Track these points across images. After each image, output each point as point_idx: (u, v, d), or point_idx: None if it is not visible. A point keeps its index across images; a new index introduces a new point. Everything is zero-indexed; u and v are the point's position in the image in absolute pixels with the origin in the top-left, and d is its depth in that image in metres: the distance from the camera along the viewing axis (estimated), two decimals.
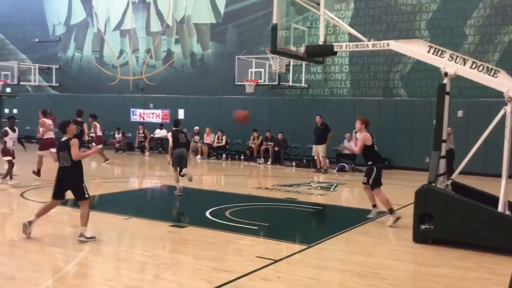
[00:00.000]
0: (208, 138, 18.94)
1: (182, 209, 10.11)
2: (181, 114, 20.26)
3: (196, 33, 20.68)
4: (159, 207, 10.32)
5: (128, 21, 22.07)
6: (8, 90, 24.74)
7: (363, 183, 8.53)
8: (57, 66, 23.62)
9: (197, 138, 19.05)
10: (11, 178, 11.49)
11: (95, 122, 16.28)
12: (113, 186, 12.41)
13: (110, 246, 6.77)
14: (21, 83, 23.12)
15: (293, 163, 17.00)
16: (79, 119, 14.80)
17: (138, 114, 21.45)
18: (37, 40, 24.01)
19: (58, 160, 6.84)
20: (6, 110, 25.36)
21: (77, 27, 23.35)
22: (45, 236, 7.10)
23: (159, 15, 21.46)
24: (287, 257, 6.34)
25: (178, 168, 10.33)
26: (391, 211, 8.25)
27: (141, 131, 20.14)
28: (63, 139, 6.85)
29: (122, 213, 8.63)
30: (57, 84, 23.63)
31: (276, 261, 6.07)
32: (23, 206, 9.38)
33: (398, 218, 8.16)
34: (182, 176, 10.36)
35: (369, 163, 8.37)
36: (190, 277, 5.50)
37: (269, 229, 7.84)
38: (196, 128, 19.08)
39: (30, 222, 6.75)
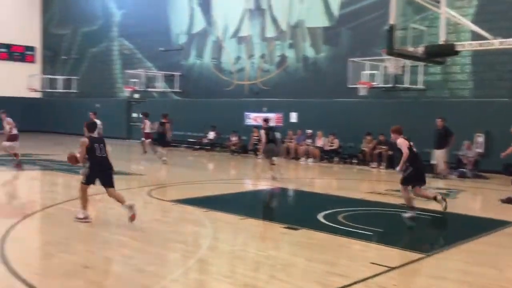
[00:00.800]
0: (320, 141, 18.95)
1: (295, 211, 10.26)
2: (293, 117, 20.50)
3: (309, 37, 20.81)
4: (273, 208, 10.56)
5: (245, 28, 22.84)
6: (136, 96, 26.85)
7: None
8: (180, 73, 25.14)
9: (309, 141, 19.14)
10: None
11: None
12: (229, 187, 12.93)
13: (227, 244, 7.10)
14: (148, 89, 24.98)
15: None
16: (163, 121, 16.95)
17: (252, 118, 22.08)
18: (162, 49, 25.74)
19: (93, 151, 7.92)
20: (135, 114, 27.49)
21: (197, 36, 24.67)
22: (167, 232, 7.63)
23: (274, 21, 21.93)
24: (403, 265, 6.17)
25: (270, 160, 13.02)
26: (411, 208, 8.79)
27: (255, 134, 20.71)
28: (96, 136, 8.40)
29: (238, 213, 8.97)
30: (180, 90, 25.14)
31: (391, 269, 5.93)
32: (149, 204, 10.11)
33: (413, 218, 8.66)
34: (273, 165, 13.14)
35: (407, 164, 8.74)
36: (305, 279, 5.59)
37: (383, 235, 7.68)
38: (309, 131, 19.18)
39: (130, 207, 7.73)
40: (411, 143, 8.83)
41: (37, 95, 31.81)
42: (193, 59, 24.87)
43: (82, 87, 30.45)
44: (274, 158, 13.42)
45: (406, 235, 7.83)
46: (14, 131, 14.37)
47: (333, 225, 8.13)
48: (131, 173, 14.69)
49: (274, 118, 21.16)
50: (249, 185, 14.05)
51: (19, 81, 30.52)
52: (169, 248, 6.79)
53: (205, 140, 22.66)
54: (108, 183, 8.02)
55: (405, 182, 8.81)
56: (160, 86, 25.32)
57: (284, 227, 7.99)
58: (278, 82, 21.75)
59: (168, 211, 9.31)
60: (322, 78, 20.22)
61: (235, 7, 23.10)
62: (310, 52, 20.83)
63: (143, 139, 18.64)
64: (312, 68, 20.79)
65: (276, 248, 6.92)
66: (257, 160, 19.47)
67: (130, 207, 7.70)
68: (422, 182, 8.88)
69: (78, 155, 8.03)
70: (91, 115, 16.09)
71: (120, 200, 7.95)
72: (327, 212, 9.05)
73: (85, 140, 7.93)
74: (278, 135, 19.73)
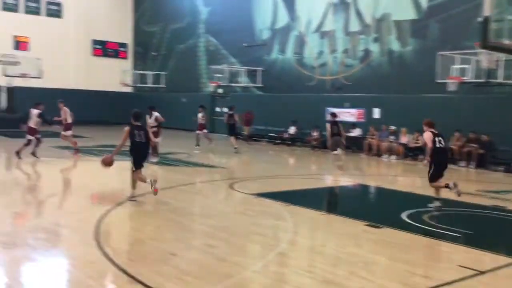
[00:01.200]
0: (404, 138, 18.37)
1: (377, 209, 10.07)
2: (376, 113, 20.04)
3: (395, 30, 20.20)
4: (354, 205, 10.44)
5: (328, 22, 22.63)
6: (220, 90, 27.53)
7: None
8: (262, 68, 25.43)
9: (392, 137, 18.64)
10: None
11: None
12: (309, 182, 12.94)
13: (307, 239, 7.15)
14: (231, 84, 25.54)
15: (502, 168, 15.48)
16: (231, 113, 19.33)
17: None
18: (245, 44, 26.17)
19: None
20: (217, 109, 28.20)
21: (280, 31, 24.80)
22: (248, 224, 7.81)
23: (359, 14, 21.52)
24: (494, 269, 5.88)
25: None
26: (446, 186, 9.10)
27: None
28: (138, 124, 9.25)
29: (319, 209, 8.98)
30: (262, 85, 25.44)
31: (481, 273, 5.68)
32: (231, 196, 10.38)
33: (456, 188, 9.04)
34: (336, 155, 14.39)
35: (430, 160, 9.13)
36: (387, 278, 5.50)
37: (472, 237, 7.35)
38: (392, 127, 18.67)
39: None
40: (439, 138, 9.07)
41: (128, 89, 33.60)
42: (276, 54, 25.04)
43: (169, 82, 31.73)
44: (339, 150, 14.41)
45: (499, 239, 7.43)
46: (69, 120, 15.56)
47: (418, 224, 7.90)
48: (214, 166, 15.14)
49: (356, 113, 20.81)
50: (329, 181, 13.97)
51: (112, 76, 32.48)
52: (251, 240, 6.95)
53: (286, 135, 22.77)
54: (140, 166, 9.24)
55: (431, 179, 9.19)
56: (243, 81, 25.78)
57: (366, 225, 7.88)
58: (361, 77, 21.35)
59: (250, 204, 9.51)
60: (408, 72, 19.56)
61: (319, 1, 22.94)
62: (395, 45, 20.23)
63: (197, 131, 19.41)
64: (397, 62, 20.18)
65: (357, 246, 6.86)
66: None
67: (154, 181, 8.93)
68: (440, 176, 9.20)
69: (113, 158, 9.28)
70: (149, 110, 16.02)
71: (143, 180, 9.10)
72: (411, 211, 8.81)
73: (126, 128, 9.09)
74: (358, 131, 19.68)
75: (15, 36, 29.27)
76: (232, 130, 19.11)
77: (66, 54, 32.23)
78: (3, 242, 6.40)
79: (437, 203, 9.18)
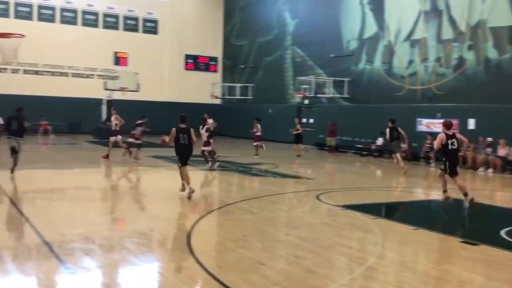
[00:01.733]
0: (503, 151, 17.27)
1: (473, 225, 9.57)
2: (471, 124, 19.03)
3: (491, 37, 19.14)
4: (448, 220, 9.99)
5: (419, 30, 21.94)
6: (306, 101, 27.60)
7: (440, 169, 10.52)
8: (349, 79, 25.16)
9: (489, 150, 17.59)
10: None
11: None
12: (399, 195, 12.57)
13: (396, 254, 6.95)
14: (317, 95, 25.51)
15: None
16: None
17: (424, 124, 21.08)
18: (332, 55, 26.06)
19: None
20: (304, 120, 28.28)
21: (368, 41, 24.42)
22: (336, 236, 7.74)
23: (452, 21, 20.65)
24: None
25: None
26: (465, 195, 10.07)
27: (428, 141, 19.72)
28: (184, 126, 10.55)
29: (409, 223, 8.70)
30: (348, 96, 25.15)
31: None
32: (318, 207, 10.35)
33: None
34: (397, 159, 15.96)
35: (443, 159, 10.44)
36: None
37: None
38: (489, 139, 17.64)
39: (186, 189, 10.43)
40: (451, 140, 10.05)
41: (218, 101, 34.68)
42: (363, 64, 24.67)
43: (256, 94, 32.35)
44: (397, 155, 16.18)
45: None
46: (117, 127, 17.48)
47: None
48: (300, 177, 15.18)
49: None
50: (420, 194, 13.47)
51: (202, 88, 33.81)
52: (338, 252, 6.89)
53: (373, 147, 22.29)
54: (184, 163, 10.69)
55: (446, 171, 10.29)
56: (329, 92, 25.64)
57: (461, 241, 7.51)
58: (454, 86, 20.42)
59: (337, 215, 9.43)
60: (506, 81, 18.42)
61: (409, 9, 22.34)
62: (492, 53, 19.15)
63: (255, 143, 20.48)
64: (494, 71, 19.08)
65: (450, 263, 6.57)
66: (429, 168, 18.54)
67: (190, 190, 10.34)
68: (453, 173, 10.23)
69: (167, 139, 10.67)
70: (205, 116, 18.76)
71: (187, 180, 10.51)
72: (511, 228, 8.26)
73: (173, 130, 10.44)
74: (460, 142, 18.79)
75: (116, 52, 31.33)
76: (298, 138, 21.12)
77: (161, 69, 34.04)
78: (102, 246, 6.88)
79: None
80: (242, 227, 8.14)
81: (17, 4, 29.97)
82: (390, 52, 23.30)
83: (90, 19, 32.18)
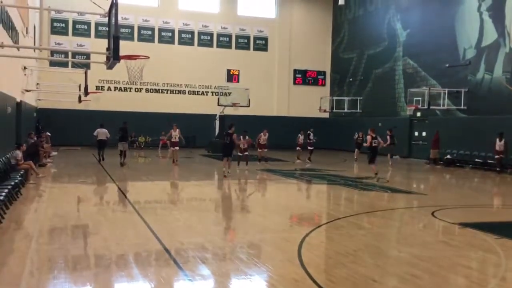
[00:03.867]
0: None
1: None
2: None
3: None
4: None
5: None
6: (418, 114, 26.53)
7: None
8: (466, 89, 23.77)
9: None
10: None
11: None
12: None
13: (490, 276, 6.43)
14: (430, 107, 24.40)
15: None
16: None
17: None
18: (447, 65, 24.82)
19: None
20: (416, 133, 27.16)
21: (487, 49, 22.94)
22: (454, 256, 7.33)
23: None
24: None
25: None
26: None
27: None
28: (229, 131, 16.45)
29: None
30: (465, 107, 23.75)
31: None
32: (433, 224, 9.88)
33: None
34: None
35: None
36: None
37: None
38: None
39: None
40: None
41: (326, 115, 34.61)
42: (482, 73, 23.19)
43: (365, 107, 31.77)
44: None
45: None
46: (176, 139, 20.80)
47: None
48: (412, 192, 14.60)
49: None
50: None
51: (311, 102, 34.04)
52: (458, 273, 6.53)
53: (492, 161, 20.75)
54: (225, 157, 16.56)
55: None
56: (444, 103, 24.40)
57: None
58: None
59: (454, 234, 8.94)
60: None
61: None
62: None
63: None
64: None
65: None
66: None
67: (228, 173, 15.51)
68: None
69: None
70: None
71: (225, 165, 16.21)
72: None
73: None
74: None
75: (229, 70, 32.72)
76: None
77: (270, 84, 34.86)
78: (217, 254, 7.19)
79: None
80: (353, 242, 8.03)
81: (140, 28, 32.54)
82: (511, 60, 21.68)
83: (205, 39, 33.93)
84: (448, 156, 23.67)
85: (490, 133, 21.08)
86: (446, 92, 24.31)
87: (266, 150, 21.90)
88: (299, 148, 24.31)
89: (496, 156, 20.15)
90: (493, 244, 7.97)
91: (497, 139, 19.84)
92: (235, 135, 16.64)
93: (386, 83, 29.96)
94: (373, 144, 16.44)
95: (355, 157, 24.60)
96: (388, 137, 22.11)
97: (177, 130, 20.94)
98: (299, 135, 24.43)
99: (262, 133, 21.76)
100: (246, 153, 19.81)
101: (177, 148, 20.99)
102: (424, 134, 26.12)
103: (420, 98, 24.98)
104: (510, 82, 21.70)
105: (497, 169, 20.01)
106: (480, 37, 23.36)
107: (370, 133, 16.57)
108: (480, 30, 23.35)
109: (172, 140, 21.05)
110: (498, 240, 8.22)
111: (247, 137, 20.06)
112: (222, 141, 18.18)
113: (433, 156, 23.60)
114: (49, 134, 24.42)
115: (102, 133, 21.02)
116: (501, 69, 22.18)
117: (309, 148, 23.92)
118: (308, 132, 24.09)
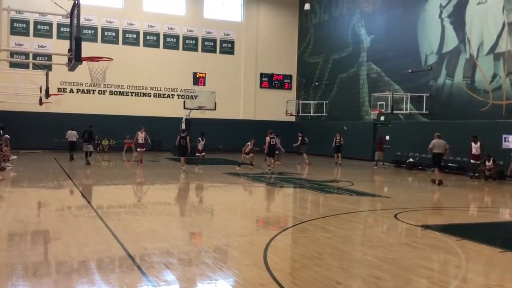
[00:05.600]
0: None
1: None
2: None
3: None
4: None
5: (503, 43, 20.89)
6: (382, 118, 27.02)
7: None
8: (428, 94, 24.35)
9: None
10: None
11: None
12: (484, 215, 11.92)
13: (482, 277, 6.59)
14: (394, 111, 24.89)
15: None
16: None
17: (511, 141, 19.91)
18: (410, 70, 25.39)
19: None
20: (387, 137, 27.63)
21: (448, 55, 23.58)
22: (416, 257, 7.47)
23: None
24: None
25: None
26: None
27: None
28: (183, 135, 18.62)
29: (496, 245, 8.23)
30: (427, 112, 24.33)
31: None
32: (396, 227, 10.04)
33: None
34: None
35: None
36: None
37: None
38: None
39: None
40: None
41: (292, 118, 34.83)
42: (443, 79, 23.81)
43: (331, 111, 32.15)
44: None
45: None
46: (142, 141, 21.95)
47: None
48: (377, 195, 14.84)
49: None
50: (507, 215, 12.69)
51: (277, 106, 34.19)
52: (420, 274, 6.65)
53: (454, 165, 21.32)
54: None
55: None
56: (407, 108, 24.94)
57: None
58: None
59: (416, 236, 9.11)
60: None
61: (492, 21, 21.36)
62: None
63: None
64: None
65: None
66: None
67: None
68: None
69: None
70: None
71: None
72: None
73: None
74: None
75: (195, 73, 32.53)
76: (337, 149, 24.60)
77: (237, 87, 34.85)
78: (182, 260, 7.10)
79: None
80: (318, 245, 8.08)
81: (104, 29, 31.98)
82: (472, 66, 22.34)
83: (171, 42, 33.63)
84: (411, 160, 24.21)
85: (451, 136, 21.63)
86: (409, 96, 24.85)
87: (253, 154, 23.04)
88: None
89: (472, 161, 19.77)
90: (454, 246, 8.16)
91: (472, 143, 19.52)
92: (189, 137, 20.10)
93: (351, 87, 30.40)
94: (271, 143, 20.61)
95: (336, 161, 25.19)
96: (299, 138, 25.99)
97: (144, 132, 22.07)
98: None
99: (249, 142, 23.13)
100: (252, 153, 22.72)
101: (143, 149, 22.25)
102: (387, 138, 26.61)
103: (383, 103, 25.46)
104: (470, 87, 22.36)
105: (471, 174, 20.03)
106: (441, 43, 24.00)
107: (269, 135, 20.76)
108: (442, 37, 23.99)
109: (139, 141, 22.16)
110: (459, 241, 8.42)
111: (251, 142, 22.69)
112: (178, 143, 20.35)
113: (377, 157, 24.66)
114: (8, 137, 23.72)
115: (72, 134, 23.15)
116: (461, 74, 22.83)
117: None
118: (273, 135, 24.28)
